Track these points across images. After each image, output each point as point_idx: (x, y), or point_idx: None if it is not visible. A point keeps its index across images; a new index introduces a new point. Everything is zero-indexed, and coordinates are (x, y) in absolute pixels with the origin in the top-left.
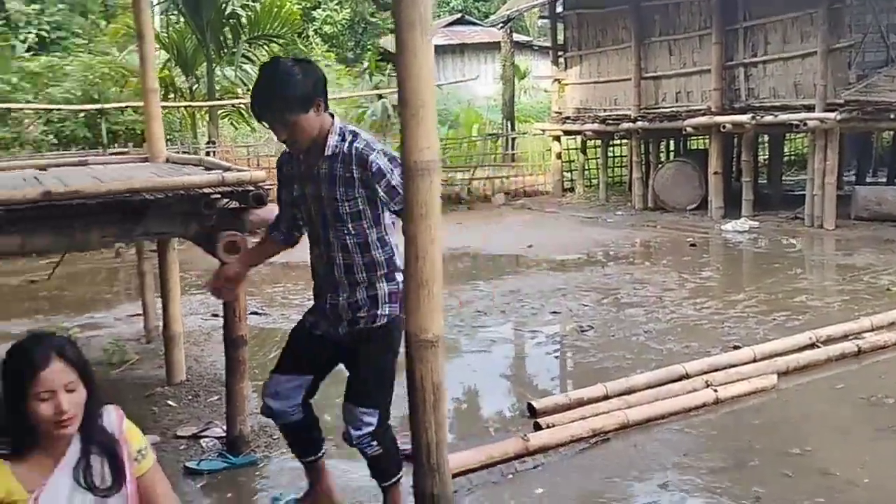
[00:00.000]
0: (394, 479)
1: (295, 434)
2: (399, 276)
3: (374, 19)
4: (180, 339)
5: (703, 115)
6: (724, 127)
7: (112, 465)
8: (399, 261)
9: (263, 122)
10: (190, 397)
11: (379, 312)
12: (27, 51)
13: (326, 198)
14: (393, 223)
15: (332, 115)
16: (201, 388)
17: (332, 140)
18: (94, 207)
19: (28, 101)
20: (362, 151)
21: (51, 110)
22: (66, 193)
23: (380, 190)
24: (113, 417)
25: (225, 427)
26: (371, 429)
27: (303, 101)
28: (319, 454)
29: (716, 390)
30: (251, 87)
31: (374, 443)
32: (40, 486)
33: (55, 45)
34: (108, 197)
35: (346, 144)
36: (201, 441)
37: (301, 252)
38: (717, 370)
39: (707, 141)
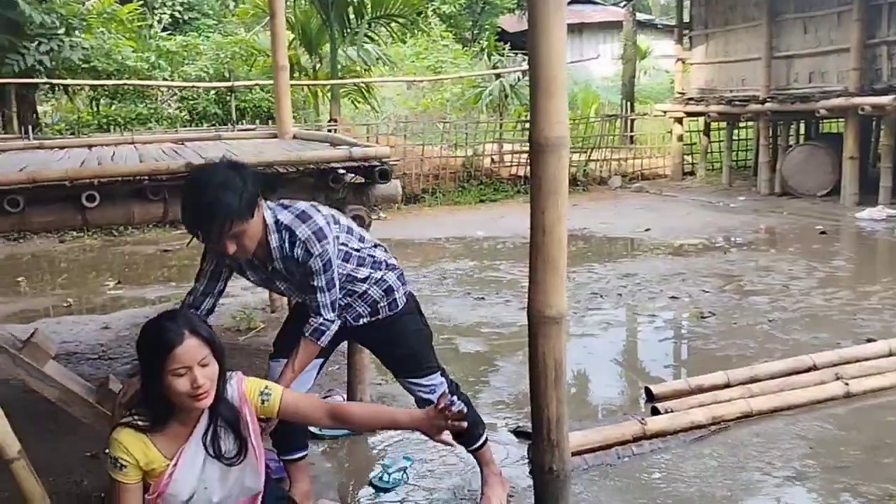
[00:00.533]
0: (483, 439)
1: (289, 425)
2: (394, 261)
3: None
4: None
5: (840, 96)
6: (862, 109)
7: (236, 436)
8: (382, 255)
9: (205, 239)
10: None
11: (397, 296)
12: (162, 30)
13: (295, 282)
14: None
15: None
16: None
17: (274, 241)
18: None
19: (164, 79)
20: (304, 256)
21: (184, 87)
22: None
23: (306, 280)
24: (234, 384)
25: (345, 395)
26: (445, 387)
27: (249, 205)
28: (306, 452)
29: (847, 384)
30: (186, 197)
31: (456, 398)
32: (176, 454)
33: (187, 24)
34: None
35: (288, 245)
36: None
37: (414, 230)
38: (848, 363)
39: (841, 124)
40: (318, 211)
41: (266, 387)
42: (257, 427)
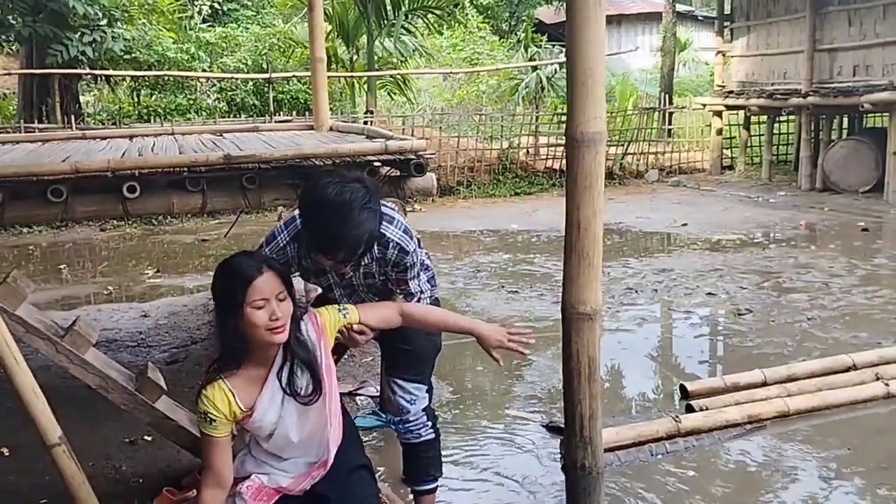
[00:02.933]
0: (437, 482)
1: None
2: (429, 261)
3: None
4: None
5: (885, 90)
6: None
7: (313, 376)
8: (422, 255)
9: (329, 257)
10: (346, 357)
11: (423, 296)
12: (202, 22)
13: (361, 285)
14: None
15: None
16: (356, 349)
17: None
18: (268, 171)
19: (204, 70)
20: (398, 257)
21: (223, 79)
22: (244, 158)
23: (393, 276)
24: (307, 321)
25: (378, 387)
26: (425, 403)
27: (379, 224)
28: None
29: (887, 384)
30: (320, 219)
31: (430, 423)
32: (255, 401)
33: (226, 16)
34: (281, 162)
35: (377, 249)
36: (356, 398)
37: (449, 222)
38: (888, 363)
39: (886, 119)
40: (393, 209)
41: (342, 306)
42: (332, 364)
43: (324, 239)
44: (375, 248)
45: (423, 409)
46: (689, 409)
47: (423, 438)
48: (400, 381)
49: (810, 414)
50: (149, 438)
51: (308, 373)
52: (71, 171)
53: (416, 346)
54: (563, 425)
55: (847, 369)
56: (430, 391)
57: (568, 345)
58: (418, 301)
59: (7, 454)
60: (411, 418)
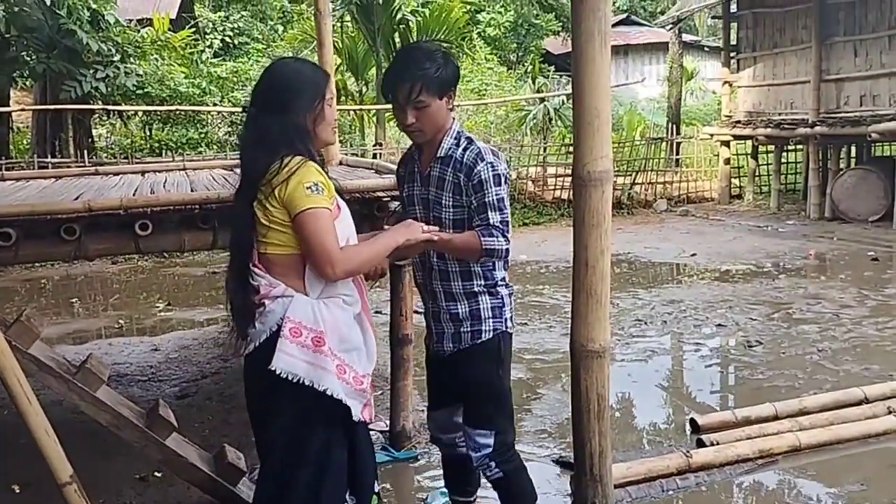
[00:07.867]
0: None
1: (454, 467)
2: (504, 291)
3: (537, 21)
4: None
5: (892, 120)
6: None
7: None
8: (500, 274)
9: (395, 101)
10: None
11: (483, 328)
12: (213, 56)
13: (432, 201)
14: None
15: (452, 119)
16: None
17: (447, 142)
18: None
19: (214, 104)
20: (473, 160)
21: (233, 113)
22: None
23: (473, 202)
24: None
25: (388, 422)
26: (489, 450)
27: (441, 84)
28: (472, 498)
29: None
30: (392, 61)
31: (493, 464)
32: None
33: (237, 49)
34: None
35: (460, 150)
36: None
37: None
38: None
39: (894, 148)
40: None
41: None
42: None
43: (389, 72)
44: (459, 150)
45: (487, 455)
46: (700, 444)
47: (490, 478)
48: (467, 428)
49: (822, 448)
50: (159, 475)
51: None
52: (84, 210)
53: (475, 391)
54: (573, 460)
55: (859, 402)
56: (499, 434)
57: (577, 382)
58: (499, 240)
59: (18, 491)
60: (475, 464)
